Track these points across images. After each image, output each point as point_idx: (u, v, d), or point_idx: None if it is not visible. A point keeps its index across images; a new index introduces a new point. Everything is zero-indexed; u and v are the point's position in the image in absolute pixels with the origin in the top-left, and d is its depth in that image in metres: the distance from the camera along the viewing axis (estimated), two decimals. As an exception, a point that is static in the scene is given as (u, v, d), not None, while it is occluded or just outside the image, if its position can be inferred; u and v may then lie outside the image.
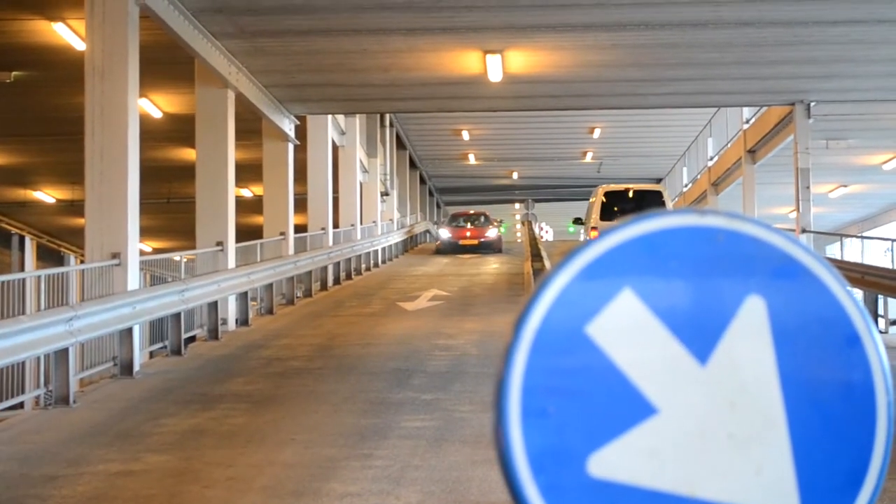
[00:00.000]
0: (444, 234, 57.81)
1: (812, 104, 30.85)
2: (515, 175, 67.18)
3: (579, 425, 2.02)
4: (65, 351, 14.79)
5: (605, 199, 39.71)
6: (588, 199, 45.16)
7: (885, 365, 2.08)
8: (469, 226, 57.85)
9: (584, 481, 2.02)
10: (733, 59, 26.27)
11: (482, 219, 59.06)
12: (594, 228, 39.57)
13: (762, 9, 21.73)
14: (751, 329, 2.07)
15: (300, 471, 11.01)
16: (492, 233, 56.37)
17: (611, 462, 2.03)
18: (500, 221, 63.71)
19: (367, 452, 11.76)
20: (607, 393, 2.03)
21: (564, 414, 2.02)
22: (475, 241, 54.87)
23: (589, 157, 58.29)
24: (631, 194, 39.92)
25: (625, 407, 2.03)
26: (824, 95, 30.31)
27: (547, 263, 20.93)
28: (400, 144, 57.60)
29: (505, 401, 2.02)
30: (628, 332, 2.04)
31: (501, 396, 2.02)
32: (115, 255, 18.15)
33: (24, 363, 14.94)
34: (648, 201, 38.68)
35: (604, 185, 42.00)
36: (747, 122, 40.86)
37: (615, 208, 39.05)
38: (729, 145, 44.95)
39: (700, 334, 2.05)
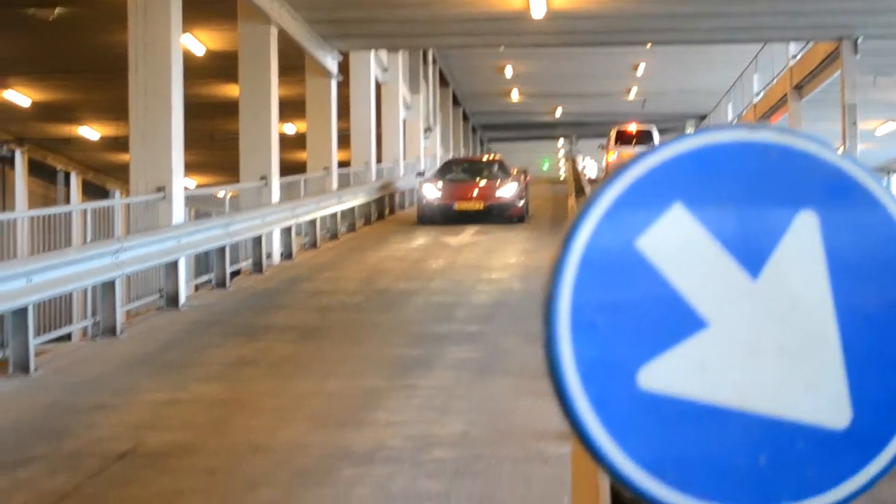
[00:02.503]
0: (430, 192, 35.62)
1: (859, 39, 30.49)
2: (559, 112, 64.58)
3: (629, 338, 2.01)
4: (111, 283, 14.88)
5: (615, 135, 52.98)
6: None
7: None
8: (471, 180, 37.19)
9: (633, 393, 2.01)
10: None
11: (494, 168, 38.08)
12: (610, 150, 52.43)
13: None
14: (803, 244, 2.04)
15: (345, 401, 11.08)
16: (508, 190, 35.43)
17: (660, 375, 2.02)
18: (525, 171, 40.47)
19: (412, 383, 11.82)
20: (657, 306, 2.01)
21: (614, 327, 2.01)
22: (479, 206, 34.52)
23: (633, 94, 56.84)
24: (634, 131, 52.80)
25: (675, 320, 2.01)
26: (872, 31, 29.94)
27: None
28: (443, 81, 54.73)
29: (555, 314, 2.00)
30: (678, 246, 2.02)
31: (551, 310, 2.00)
32: (159, 189, 18.22)
33: (71, 295, 15.03)
34: (643, 137, 51.30)
35: (615, 125, 53.86)
36: (794, 57, 40.57)
37: (619, 142, 52.83)
38: (775, 81, 44.51)
39: (751, 248, 2.03)
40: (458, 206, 34.09)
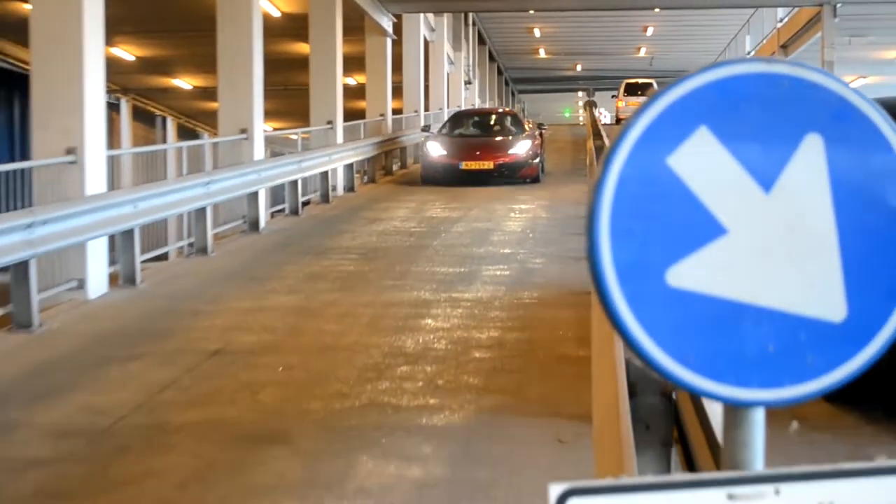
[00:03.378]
0: (434, 149, 28.00)
1: (839, 5, 30.43)
2: (579, 67, 63.64)
3: (659, 243, 2.01)
4: (203, 210, 14.93)
5: (624, 87, 53.00)
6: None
7: None
8: (480, 135, 29.31)
9: (662, 290, 2.01)
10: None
11: (507, 122, 30.00)
12: (619, 99, 53.35)
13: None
14: (809, 162, 2.04)
15: (401, 310, 11.09)
16: (521, 148, 27.71)
17: (686, 274, 2.02)
18: (541, 126, 32.06)
19: (457, 296, 11.83)
20: (684, 215, 2.01)
21: (647, 233, 2.01)
22: (488, 165, 26.85)
23: (643, 52, 56.37)
24: (634, 85, 52.82)
25: (699, 227, 2.01)
26: (849, -4, 29.94)
27: (606, 141, 20.76)
28: (481, 40, 54.29)
29: (596, 223, 2.00)
30: (703, 163, 2.02)
31: (593, 219, 2.00)
32: (243, 131, 18.23)
33: (166, 221, 15.08)
34: (643, 87, 51.77)
35: (625, 80, 53.95)
36: (781, 21, 40.66)
37: (627, 93, 52.53)
38: (764, 41, 44.50)
39: (765, 165, 2.03)
40: (465, 165, 25.96)
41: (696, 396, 4.46)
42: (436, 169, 26.39)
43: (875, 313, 2.08)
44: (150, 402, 7.84)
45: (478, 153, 26.23)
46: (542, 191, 24.36)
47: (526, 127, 28.43)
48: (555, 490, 1.95)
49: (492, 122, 29.72)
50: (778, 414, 2.17)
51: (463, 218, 18.82)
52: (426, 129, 29.83)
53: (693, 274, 2.03)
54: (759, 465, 2.13)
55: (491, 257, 14.47)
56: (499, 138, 27.71)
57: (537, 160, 26.77)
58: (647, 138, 2.02)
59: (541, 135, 28.72)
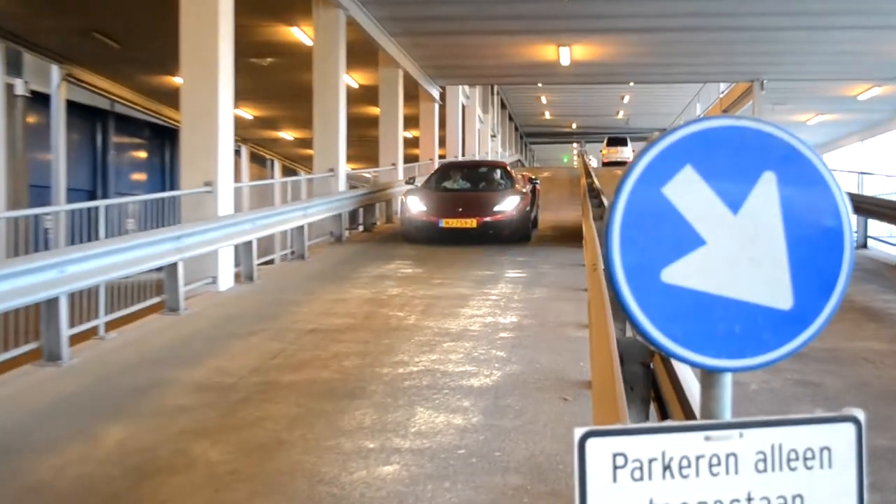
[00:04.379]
0: (414, 205, 18.59)
1: (765, 81, 30.32)
2: (574, 125, 63.73)
3: (656, 250, 2.02)
4: (301, 227, 14.97)
5: (606, 141, 54.75)
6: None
7: (849, 216, 2.08)
8: (465, 190, 19.97)
9: (658, 285, 2.03)
10: (714, 51, 25.86)
11: (496, 175, 20.68)
12: (603, 149, 54.78)
13: (733, 21, 21.33)
14: (766, 192, 2.06)
15: (446, 301, 11.07)
16: (509, 204, 18.31)
17: (675, 273, 2.03)
18: (532, 179, 21.18)
19: (486, 291, 11.80)
20: (674, 230, 2.02)
21: (647, 242, 2.02)
22: (471, 223, 17.79)
23: (621, 114, 55.88)
24: (614, 139, 54.70)
25: (685, 239, 2.03)
26: (772, 76, 29.69)
27: (595, 181, 20.62)
28: (503, 105, 53.84)
29: (610, 234, 2.02)
30: (688, 192, 2.03)
31: (608, 231, 2.02)
32: (331, 170, 18.27)
33: (274, 235, 15.14)
34: (620, 142, 54.36)
35: (607, 136, 56.44)
36: (722, 92, 40.67)
37: (609, 145, 54.01)
38: (710, 107, 44.52)
39: (733, 193, 2.05)
40: (446, 223, 17.71)
41: (670, 366, 4.44)
42: (415, 226, 17.75)
43: (814, 303, 2.10)
44: (264, 366, 7.86)
45: (460, 210, 17.47)
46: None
47: (517, 181, 19.39)
48: (578, 432, 1.94)
49: (479, 176, 20.02)
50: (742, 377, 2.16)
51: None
52: (410, 181, 21.08)
53: (680, 273, 2.04)
54: (727, 415, 2.11)
55: (510, 263, 14.35)
56: (485, 193, 18.71)
57: (527, 218, 18.02)
58: (647, 173, 2.04)
59: (534, 190, 19.85)
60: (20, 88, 22.66)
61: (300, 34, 21.68)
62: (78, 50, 23.52)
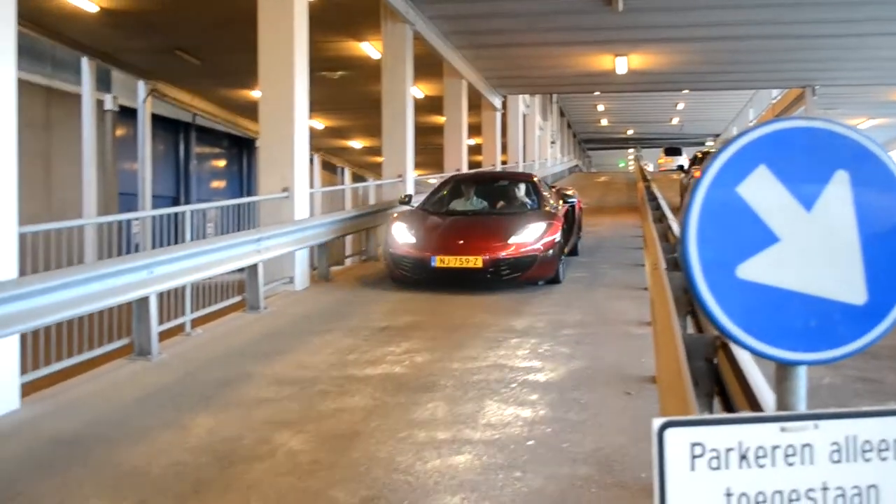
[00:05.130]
0: (401, 235, 12.27)
1: (817, 87, 29.82)
2: (630, 131, 62.98)
3: (732, 247, 2.01)
4: (375, 227, 15.05)
5: (663, 150, 55.05)
6: (661, 149, 59.12)
7: None
8: (472, 215, 13.13)
9: (734, 281, 2.01)
10: (766, 58, 25.37)
11: (518, 192, 13.75)
12: (660, 160, 55.66)
13: (784, 29, 21.00)
14: (839, 190, 2.03)
15: (510, 300, 11.04)
16: (531, 233, 11.82)
17: (750, 269, 2.01)
18: (568, 196, 14.15)
19: (549, 291, 11.74)
20: (749, 228, 2.00)
21: (723, 240, 2.00)
22: (476, 261, 11.43)
23: (675, 121, 55.20)
24: (670, 149, 54.46)
25: (759, 236, 2.01)
26: (825, 81, 29.19)
27: (653, 185, 20.29)
28: (561, 113, 53.28)
29: (687, 233, 2.00)
30: (762, 191, 2.01)
31: (685, 230, 2.00)
32: (399, 176, 18.32)
33: (345, 238, 15.19)
34: (675, 152, 54.49)
35: (663, 147, 56.94)
36: (775, 98, 40.05)
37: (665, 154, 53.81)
38: (763, 113, 43.89)
39: (807, 192, 2.03)
40: (441, 260, 11.77)
41: (735, 362, 4.37)
42: (399, 264, 12.18)
43: (888, 298, 2.06)
44: (340, 361, 7.90)
45: (461, 242, 11.87)
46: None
47: (546, 200, 13.42)
48: (657, 422, 1.92)
49: (496, 193, 14.13)
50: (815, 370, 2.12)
51: None
52: (406, 200, 14.57)
53: (756, 269, 2.02)
54: (802, 407, 2.08)
55: (572, 263, 14.16)
56: (499, 218, 12.77)
57: (556, 253, 12.05)
58: (722, 173, 2.03)
59: (570, 211, 13.90)
60: (109, 103, 23.11)
61: (369, 48, 21.79)
62: (162, 66, 23.91)
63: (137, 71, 24.25)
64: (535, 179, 14.22)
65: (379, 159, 19.88)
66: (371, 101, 21.81)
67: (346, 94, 28.25)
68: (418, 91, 27.70)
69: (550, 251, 11.80)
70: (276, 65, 12.04)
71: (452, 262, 11.49)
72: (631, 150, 76.60)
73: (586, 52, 24.81)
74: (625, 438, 5.56)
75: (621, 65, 25.59)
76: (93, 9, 18.01)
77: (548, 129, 46.11)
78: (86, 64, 21.86)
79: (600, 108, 49.69)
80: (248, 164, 34.80)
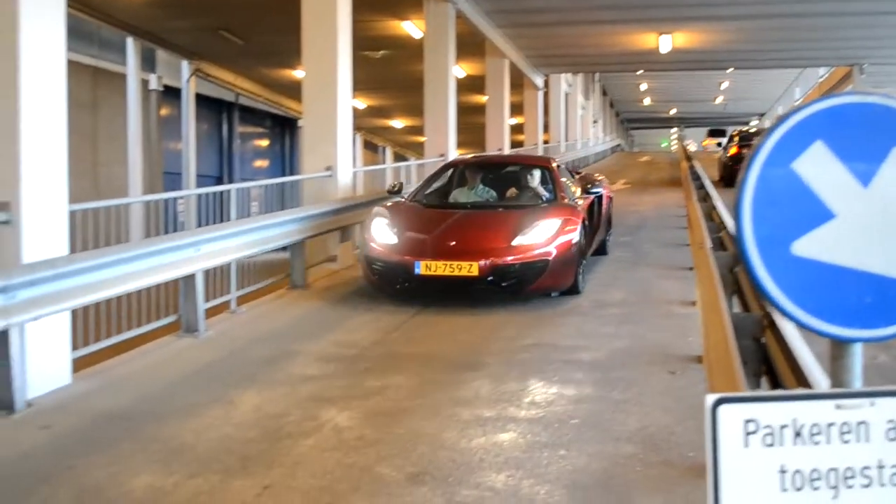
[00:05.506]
0: (380, 234, 9.62)
1: (865, 65, 29.37)
2: (673, 111, 62.24)
3: (787, 224, 2.00)
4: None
5: (708, 132, 52.51)
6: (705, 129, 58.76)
7: None
8: (477, 205, 10.55)
9: (789, 258, 2.00)
10: (814, 36, 25.03)
11: (530, 180, 10.84)
12: (704, 142, 53.82)
13: (832, 6, 20.74)
14: None
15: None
16: (540, 233, 9.26)
17: (806, 246, 2.00)
18: (593, 185, 11.51)
19: (591, 271, 11.66)
20: (804, 204, 2.00)
21: (778, 217, 2.00)
22: (471, 268, 8.89)
23: (719, 100, 54.58)
24: (714, 131, 52.09)
25: (815, 213, 2.00)
26: (873, 60, 28.78)
27: (696, 164, 20.00)
28: (604, 92, 52.86)
29: (741, 209, 2.00)
30: (818, 167, 2.00)
31: (739, 207, 1.99)
32: (441, 155, 18.31)
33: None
34: (720, 132, 50.93)
35: (707, 127, 54.96)
36: (821, 76, 39.45)
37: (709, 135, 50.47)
38: (809, 91, 43.28)
39: (863, 168, 2.02)
40: (426, 267, 9.03)
41: (783, 341, 4.34)
42: (376, 269, 9.70)
43: None
44: (384, 340, 7.94)
45: (453, 243, 9.44)
46: (649, 196, 19.87)
47: (563, 190, 10.91)
48: (710, 398, 1.91)
49: (504, 181, 11.51)
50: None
51: None
52: (395, 190, 11.63)
53: (811, 246, 2.01)
54: (857, 384, 2.06)
55: (615, 243, 14.08)
56: (505, 214, 10.20)
57: (574, 256, 9.65)
58: (777, 150, 2.02)
59: (598, 204, 11.80)
60: (154, 83, 23.31)
61: (410, 27, 21.76)
62: (206, 46, 24.06)
63: (182, 51, 24.42)
64: (553, 165, 11.45)
65: (420, 139, 19.89)
66: (413, 81, 21.80)
67: (388, 73, 28.24)
68: (460, 70, 27.62)
69: (566, 255, 9.32)
70: (319, 44, 12.07)
71: (441, 268, 9.00)
72: (674, 130, 76.02)
73: (629, 31, 24.61)
74: (669, 418, 5.54)
75: (665, 43, 25.35)
76: (138, -11, 18.16)
77: (590, 108, 45.80)
78: (131, 44, 22.05)
79: (643, 87, 49.25)
80: (291, 144, 34.98)
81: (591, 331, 8.10)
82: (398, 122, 41.66)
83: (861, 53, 28.09)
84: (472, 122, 33.84)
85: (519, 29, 23.84)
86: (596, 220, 11.40)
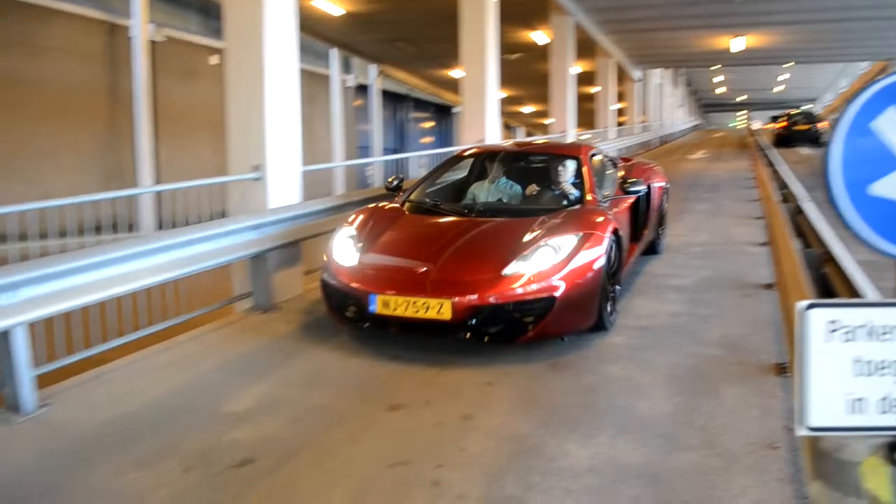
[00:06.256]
0: (341, 253, 4.79)
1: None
2: (740, 98, 59.20)
3: (866, 169, 1.95)
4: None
5: (770, 118, 40.81)
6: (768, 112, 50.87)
7: None
8: (482, 210, 5.24)
9: (867, 197, 1.96)
10: (856, 36, 23.27)
11: (556, 174, 5.63)
12: (767, 125, 41.84)
13: (874, 12, 19.22)
14: None
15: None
16: (551, 253, 4.43)
17: (880, 188, 1.97)
18: (645, 171, 7.41)
19: (680, 219, 11.36)
20: (880, 154, 1.96)
21: (859, 164, 1.96)
22: (440, 310, 4.11)
23: (777, 89, 51.26)
24: (774, 117, 44.41)
25: (887, 161, 1.94)
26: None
27: (759, 139, 18.99)
28: (688, 83, 50.80)
29: (830, 159, 1.95)
30: (891, 125, 1.93)
31: (829, 156, 1.95)
32: (562, 132, 18.06)
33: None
34: (779, 118, 42.71)
35: (773, 114, 45.68)
36: (863, 69, 36.92)
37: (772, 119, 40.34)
38: (853, 81, 40.68)
39: None
40: (383, 303, 4.21)
41: (842, 272, 4.17)
42: (332, 297, 4.80)
43: None
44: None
45: (423, 270, 4.47)
46: (723, 163, 19.62)
47: (594, 189, 5.64)
48: (802, 304, 1.90)
49: (528, 176, 6.08)
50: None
51: (682, 178, 17.23)
52: (394, 186, 6.21)
53: (884, 188, 1.97)
54: (919, 296, 2.01)
55: (697, 198, 13.63)
56: (508, 223, 5.01)
57: (592, 284, 4.66)
58: (860, 113, 1.99)
59: (644, 199, 6.92)
60: (350, 82, 23.78)
61: (535, 35, 21.42)
62: (387, 53, 24.32)
63: (369, 57, 24.80)
64: (588, 155, 6.37)
65: (544, 121, 19.67)
66: (538, 76, 21.48)
67: (519, 71, 27.86)
68: (577, 68, 27.15)
69: (584, 285, 4.86)
70: (474, 50, 12.10)
71: (402, 306, 4.57)
72: (741, 112, 72.53)
73: (707, 35, 23.52)
74: (745, 329, 5.41)
75: (737, 44, 24.10)
76: (339, 12, 18.49)
77: (677, 95, 44.09)
78: (333, 53, 22.52)
79: (716, 79, 47.08)
80: (447, 126, 35.17)
81: (682, 263, 7.92)
82: (526, 108, 41.14)
83: (895, 51, 26.04)
84: (584, 108, 33.16)
85: (622, 34, 23.17)
86: (643, 219, 7.11)
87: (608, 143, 21.92)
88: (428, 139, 34.21)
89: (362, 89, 24.92)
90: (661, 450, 3.48)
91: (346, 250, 5.07)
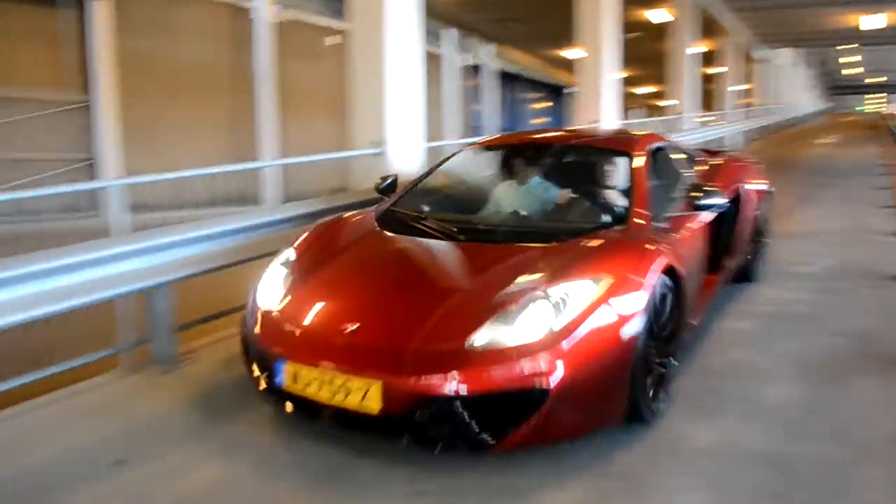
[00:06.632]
0: (268, 292, 2.97)
1: None
2: (882, 78, 54.96)
3: None
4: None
5: None
6: None
7: None
8: (477, 231, 3.21)
9: None
10: None
11: (598, 177, 3.60)
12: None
13: None
14: None
15: (782, 211, 10.39)
16: (549, 311, 2.45)
17: None
18: (738, 176, 4.93)
19: (808, 205, 10.91)
20: None
21: None
22: (368, 402, 2.28)
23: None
24: None
25: None
26: None
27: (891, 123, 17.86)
28: (821, 63, 46.32)
29: None
30: None
31: None
32: (679, 113, 17.58)
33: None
34: None
35: None
36: None
37: None
38: None
39: None
40: (293, 376, 2.45)
41: None
42: (251, 362, 2.99)
43: None
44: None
45: (354, 328, 2.64)
46: (851, 149, 17.92)
47: (646, 201, 3.46)
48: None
49: (565, 175, 3.94)
50: None
51: (809, 162, 16.68)
52: (385, 186, 4.38)
53: None
54: None
55: (828, 184, 12.96)
56: (510, 249, 2.98)
57: (620, 363, 2.59)
58: None
59: (733, 212, 4.78)
60: (463, 62, 23.92)
61: (651, 14, 20.85)
62: (499, 33, 24.29)
63: (482, 36, 24.82)
64: (647, 151, 4.17)
65: (659, 102, 19.19)
66: (659, 56, 20.92)
67: (640, 51, 27.21)
68: (699, 48, 26.37)
69: (601, 363, 2.78)
70: (592, 29, 11.98)
71: (316, 385, 2.74)
72: (875, 95, 68.19)
73: (834, 12, 22.31)
74: (874, 320, 5.21)
75: (867, 22, 22.70)
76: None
77: (805, 76, 41.95)
78: (447, 33, 22.68)
79: (847, 59, 44.34)
80: (559, 105, 34.79)
81: (811, 251, 7.63)
82: (642, 89, 40.11)
83: None
84: (706, 90, 32.20)
85: (748, 12, 22.25)
86: (728, 240, 5.11)
87: (723, 127, 21.12)
88: (540, 119, 33.96)
89: (474, 69, 24.98)
90: (788, 437, 3.43)
91: (273, 286, 3.33)
